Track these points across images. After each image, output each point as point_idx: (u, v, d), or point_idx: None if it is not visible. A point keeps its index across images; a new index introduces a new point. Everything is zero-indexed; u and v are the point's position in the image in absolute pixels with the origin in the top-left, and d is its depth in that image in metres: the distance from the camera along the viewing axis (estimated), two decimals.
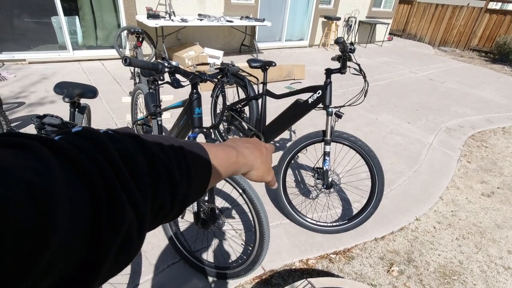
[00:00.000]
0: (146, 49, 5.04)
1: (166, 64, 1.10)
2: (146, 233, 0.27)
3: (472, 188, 2.66)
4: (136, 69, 3.49)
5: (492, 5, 9.56)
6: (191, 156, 0.33)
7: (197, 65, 4.16)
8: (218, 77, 1.44)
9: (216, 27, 5.76)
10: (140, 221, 0.24)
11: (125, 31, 4.86)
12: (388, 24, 9.13)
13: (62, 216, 0.18)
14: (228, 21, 5.20)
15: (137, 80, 3.51)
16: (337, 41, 1.55)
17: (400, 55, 8.07)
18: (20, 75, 3.90)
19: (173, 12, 4.97)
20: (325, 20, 7.56)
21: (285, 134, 3.13)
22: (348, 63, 1.75)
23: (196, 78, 1.24)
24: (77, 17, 4.64)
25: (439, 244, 1.99)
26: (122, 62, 0.99)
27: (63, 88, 1.53)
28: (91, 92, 1.60)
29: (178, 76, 1.25)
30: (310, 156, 2.72)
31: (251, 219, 1.38)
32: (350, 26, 8.19)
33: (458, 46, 9.97)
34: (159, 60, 1.11)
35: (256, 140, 0.50)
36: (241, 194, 1.36)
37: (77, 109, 1.63)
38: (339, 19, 7.45)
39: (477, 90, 5.57)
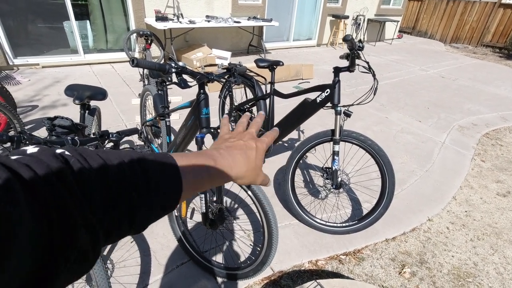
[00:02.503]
0: (155, 51, 5.09)
1: (173, 65, 1.11)
2: (116, 241, 0.30)
3: (487, 188, 2.58)
4: (145, 71, 3.54)
5: (506, 0, 9.30)
6: (156, 175, 0.32)
7: (205, 66, 4.17)
8: (225, 77, 1.44)
9: (223, 28, 5.78)
10: (94, 241, 0.26)
11: (134, 34, 4.93)
12: (398, 21, 8.99)
13: (20, 234, 0.20)
14: (235, 22, 5.22)
15: (146, 82, 3.56)
16: (345, 39, 1.53)
17: (410, 52, 7.92)
18: (34, 79, 4.00)
19: (181, 14, 5.02)
20: (333, 19, 7.50)
21: (294, 134, 3.11)
22: (357, 61, 1.73)
23: (203, 78, 1.24)
24: (88, 21, 4.74)
25: (452, 245, 1.94)
26: (130, 63, 1.00)
27: (73, 91, 1.55)
28: (101, 94, 1.62)
29: (185, 76, 1.26)
30: (319, 156, 2.70)
31: (259, 219, 1.37)
32: (359, 25, 8.09)
33: (471, 43, 9.73)
34: (166, 61, 1.12)
35: (242, 144, 0.45)
36: (249, 195, 1.35)
37: (87, 111, 1.65)
38: (347, 17, 7.38)
39: (491, 87, 5.42)
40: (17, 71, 4.19)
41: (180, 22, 4.71)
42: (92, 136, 1.11)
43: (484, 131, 3.65)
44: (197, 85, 1.35)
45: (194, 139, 1.37)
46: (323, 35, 7.59)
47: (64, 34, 4.68)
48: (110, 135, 1.15)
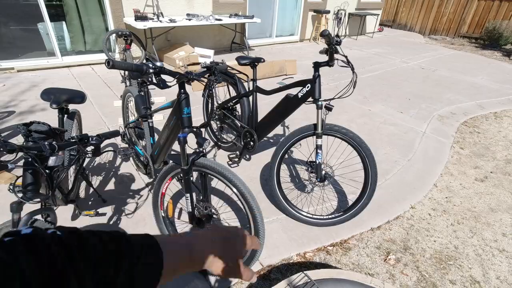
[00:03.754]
0: (136, 51, 5.00)
1: (150, 65, 1.10)
2: None
3: (466, 174, 2.68)
4: (126, 72, 3.47)
5: None
6: (139, 266, 0.35)
7: (188, 65, 4.12)
8: (206, 76, 1.44)
9: (205, 26, 5.73)
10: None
11: (114, 34, 4.82)
12: (378, 15, 9.13)
13: None
14: (217, 19, 5.18)
15: (128, 84, 3.49)
16: (322, 34, 1.55)
17: (391, 45, 8.08)
18: (9, 84, 3.86)
19: (161, 13, 4.94)
20: (315, 14, 7.55)
21: (279, 130, 3.14)
22: (336, 56, 1.75)
23: (182, 78, 1.24)
24: (64, 22, 4.59)
25: (434, 231, 2.02)
26: (106, 65, 0.99)
27: (50, 95, 1.51)
28: (79, 97, 1.59)
29: (165, 77, 1.25)
30: (304, 151, 2.73)
31: (246, 216, 1.38)
32: (340, 19, 8.18)
33: (449, 34, 10.00)
34: (143, 61, 1.11)
35: (232, 232, 0.46)
36: (234, 192, 1.36)
37: (66, 115, 1.62)
38: (328, 12, 7.44)
39: (469, 76, 5.61)
40: None
41: (160, 21, 4.63)
42: (71, 140, 1.09)
43: (463, 120, 3.78)
44: (177, 85, 1.34)
45: (176, 138, 1.36)
46: (305, 31, 7.64)
47: (39, 36, 4.52)
48: (90, 139, 1.14)
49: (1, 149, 0.89)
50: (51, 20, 4.34)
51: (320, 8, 7.50)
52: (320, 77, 1.79)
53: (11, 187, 1.31)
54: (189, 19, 5.01)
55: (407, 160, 2.79)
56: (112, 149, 2.64)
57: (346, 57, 1.69)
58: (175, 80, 1.25)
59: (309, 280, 1.30)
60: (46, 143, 1.02)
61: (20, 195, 1.09)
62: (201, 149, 1.38)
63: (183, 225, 1.90)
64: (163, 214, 1.67)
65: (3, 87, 3.75)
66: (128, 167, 2.44)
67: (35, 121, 1.15)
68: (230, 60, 4.88)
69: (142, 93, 1.88)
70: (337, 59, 1.77)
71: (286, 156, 2.71)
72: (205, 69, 1.47)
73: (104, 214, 1.97)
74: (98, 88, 3.94)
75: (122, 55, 4.75)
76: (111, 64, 0.98)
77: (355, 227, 1.99)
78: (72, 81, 4.14)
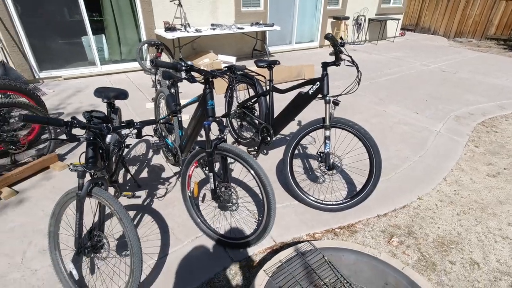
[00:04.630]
0: (165, 59, 5.45)
1: (183, 64, 1.38)
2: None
3: (478, 170, 2.75)
4: (157, 77, 3.87)
5: None
6: None
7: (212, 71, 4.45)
8: (227, 74, 1.71)
9: (228, 35, 6.11)
10: None
11: (146, 45, 5.31)
12: (399, 19, 9.13)
13: None
14: (239, 28, 5.53)
15: (158, 87, 3.89)
16: (326, 37, 1.78)
17: (412, 49, 8.05)
18: (58, 90, 4.40)
19: (188, 24, 5.37)
20: (334, 20, 7.73)
21: (293, 127, 3.35)
22: (343, 56, 1.97)
23: (208, 75, 1.51)
24: (103, 35, 5.14)
25: (439, 219, 2.13)
26: (150, 63, 1.28)
27: (101, 92, 1.86)
28: (123, 94, 1.92)
29: (193, 74, 1.53)
30: (314, 148, 2.93)
31: (260, 192, 1.62)
32: (360, 25, 8.29)
33: (475, 36, 9.75)
34: (177, 61, 1.40)
35: None
36: (251, 173, 1.60)
37: (112, 109, 1.95)
38: (347, 18, 7.60)
39: (491, 78, 5.52)
40: (43, 83, 4.61)
41: (188, 31, 5.05)
42: (121, 124, 1.39)
43: (480, 120, 3.79)
44: (202, 84, 1.62)
45: (202, 126, 1.64)
46: None
47: (82, 48, 5.10)
48: (135, 124, 1.44)
49: (77, 126, 1.20)
50: (93, 34, 4.88)
51: (339, 14, 7.68)
52: (328, 75, 2.01)
53: (71, 166, 1.66)
54: (213, 29, 5.40)
55: (418, 157, 2.90)
56: (147, 135, 2.98)
57: (350, 57, 1.90)
58: (202, 75, 1.53)
59: (313, 248, 1.51)
60: (104, 125, 1.33)
61: (78, 169, 1.41)
62: (222, 135, 1.64)
63: (205, 205, 2.17)
64: (189, 194, 1.94)
65: (53, 92, 4.28)
66: (158, 159, 2.77)
67: (94, 109, 1.48)
68: (251, 66, 5.19)
69: (173, 91, 2.19)
70: (343, 60, 1.98)
71: (299, 151, 2.93)
72: (226, 69, 1.75)
73: (139, 197, 2.29)
74: (132, 92, 4.37)
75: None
76: (154, 62, 1.27)
77: (362, 213, 2.15)
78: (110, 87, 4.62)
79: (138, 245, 1.34)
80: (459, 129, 3.50)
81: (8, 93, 2.75)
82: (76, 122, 1.20)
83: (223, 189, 1.77)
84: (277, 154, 2.87)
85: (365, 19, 8.34)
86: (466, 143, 3.20)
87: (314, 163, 2.75)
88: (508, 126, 3.66)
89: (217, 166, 2.61)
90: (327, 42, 7.99)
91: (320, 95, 2.06)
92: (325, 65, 2.00)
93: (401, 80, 5.27)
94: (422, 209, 2.24)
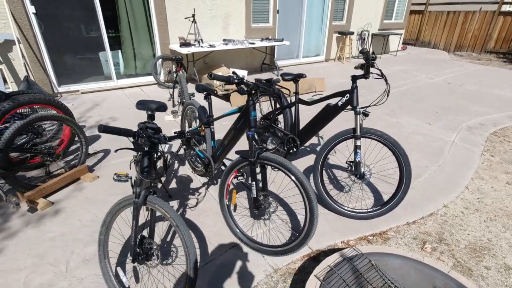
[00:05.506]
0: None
1: (235, 77, 1.47)
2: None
3: (497, 178, 2.82)
4: (175, 91, 3.98)
5: (506, 8, 9.67)
6: None
7: (225, 84, 4.58)
8: (267, 87, 1.80)
9: (239, 50, 6.29)
10: None
11: (160, 60, 5.46)
12: (401, 34, 9.41)
13: None
14: (250, 43, 5.70)
15: (174, 102, 4.05)
16: (362, 51, 1.89)
17: (415, 62, 8.27)
18: (76, 104, 4.49)
19: (201, 39, 5.54)
20: (339, 35, 7.97)
21: (314, 140, 3.44)
22: (371, 69, 2.07)
23: (254, 88, 1.60)
24: (119, 50, 5.30)
25: (468, 226, 2.19)
26: (208, 76, 1.36)
27: (144, 105, 1.94)
28: (163, 106, 1.99)
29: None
30: (341, 159, 2.99)
31: (302, 198, 1.67)
32: (364, 39, 8.54)
33: (474, 50, 10.03)
34: (230, 74, 1.49)
35: None
36: (292, 180, 1.66)
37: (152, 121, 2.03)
38: (352, 33, 7.84)
39: (496, 89, 5.67)
40: (61, 97, 4.71)
41: (202, 46, 5.21)
42: (174, 135, 1.47)
43: (492, 130, 3.89)
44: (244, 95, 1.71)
45: (246, 135, 1.71)
46: (330, 51, 8.05)
47: (98, 63, 5.24)
48: (186, 134, 1.51)
49: (144, 135, 1.27)
50: (110, 49, 5.03)
51: (344, 30, 7.92)
52: (357, 88, 2.11)
53: (115, 176, 1.72)
54: (226, 44, 5.57)
55: (437, 166, 2.97)
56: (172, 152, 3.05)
57: (380, 70, 2.00)
58: (248, 89, 1.62)
59: (359, 252, 1.56)
60: (161, 135, 1.41)
61: (125, 180, 1.47)
62: (264, 145, 1.72)
63: (239, 215, 2.21)
64: (227, 203, 1.99)
65: (72, 106, 4.38)
66: (184, 170, 2.83)
67: (147, 121, 1.55)
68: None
69: (207, 102, 2.27)
70: (372, 73, 2.08)
71: (329, 159, 3.00)
72: (265, 82, 1.84)
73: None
74: None
75: (167, 76, 5.36)
76: (212, 76, 1.36)
77: (392, 221, 2.20)
78: (126, 100, 4.72)
79: (194, 251, 1.39)
80: (472, 139, 3.59)
81: (35, 106, 2.83)
82: (142, 132, 1.27)
83: (261, 197, 1.83)
84: (300, 163, 2.93)
85: (368, 34, 8.60)
86: (482, 153, 3.28)
87: (338, 173, 2.81)
88: None
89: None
90: (332, 56, 8.21)
91: (349, 107, 2.15)
92: (354, 78, 2.10)
93: (409, 93, 5.41)
94: (449, 216, 2.29)
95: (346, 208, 2.22)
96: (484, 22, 9.60)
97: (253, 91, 1.67)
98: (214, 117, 2.25)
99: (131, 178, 1.92)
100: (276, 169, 1.69)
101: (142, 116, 4.09)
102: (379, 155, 3.03)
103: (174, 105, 4.37)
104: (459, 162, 3.06)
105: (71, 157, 2.99)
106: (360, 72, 8.05)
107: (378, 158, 2.96)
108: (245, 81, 1.54)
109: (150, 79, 5.48)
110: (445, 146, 3.38)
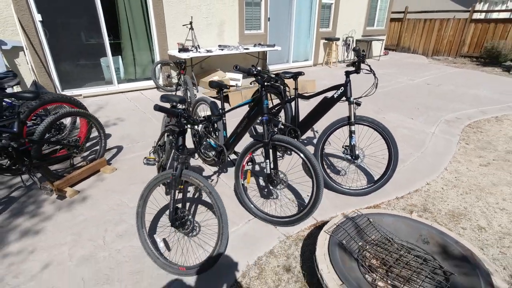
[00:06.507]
0: (176, 77, 5.85)
1: (253, 69, 1.78)
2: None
3: (471, 161, 3.22)
4: (177, 93, 4.24)
5: (476, 16, 10.48)
6: None
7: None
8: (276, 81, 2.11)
9: (233, 55, 6.62)
10: None
11: (159, 65, 5.72)
12: (383, 40, 10.03)
13: None
14: (245, 48, 6.05)
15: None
16: (354, 49, 2.24)
17: (397, 66, 8.84)
18: None
19: (198, 45, 5.85)
20: (326, 41, 8.46)
21: (309, 133, 3.77)
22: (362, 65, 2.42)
23: (268, 79, 1.91)
24: (120, 56, 5.52)
25: (447, 198, 2.55)
26: (234, 68, 1.66)
27: (168, 98, 2.21)
28: (184, 100, 2.28)
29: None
30: (337, 147, 3.33)
31: (310, 171, 1.97)
32: (348, 45, 9.07)
33: (450, 54, 10.77)
34: (250, 67, 1.80)
35: None
36: (301, 157, 1.97)
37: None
38: (338, 39, 8.34)
39: (471, 89, 6.22)
40: None
41: (199, 52, 5.51)
42: (204, 118, 1.76)
43: (467, 123, 4.35)
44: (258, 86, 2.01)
45: (260, 120, 2.01)
46: (318, 56, 8.52)
47: (99, 68, 5.44)
48: (212, 118, 1.80)
49: (186, 115, 1.55)
50: (112, 55, 5.25)
51: (330, 36, 8.42)
52: (350, 81, 2.45)
53: (145, 160, 1.99)
54: (222, 49, 5.89)
55: (420, 153, 3.35)
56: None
57: (369, 65, 2.36)
58: (261, 81, 1.92)
59: (360, 214, 1.87)
60: (197, 117, 1.69)
61: (155, 158, 1.74)
62: (276, 128, 2.02)
63: (252, 196, 2.49)
64: (242, 182, 2.27)
65: None
66: (194, 161, 3.09)
67: (181, 108, 1.84)
68: (253, 83, 5.61)
69: (219, 98, 2.56)
70: (362, 69, 2.44)
71: (326, 148, 3.33)
72: (274, 76, 2.15)
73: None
74: (151, 108, 4.70)
75: (166, 80, 5.61)
76: (238, 67, 1.66)
77: (383, 196, 2.54)
78: (128, 103, 4.94)
79: (225, 213, 1.67)
80: (450, 130, 4.02)
81: (53, 105, 3.04)
82: (184, 113, 1.55)
83: (273, 174, 2.12)
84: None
85: (353, 40, 9.14)
86: (458, 141, 3.70)
87: (334, 160, 3.14)
88: (490, 127, 4.22)
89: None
90: (320, 61, 8.68)
91: (344, 98, 2.49)
92: (348, 73, 2.45)
93: (393, 93, 5.87)
94: (431, 192, 2.65)
95: (344, 186, 2.54)
96: (458, 29, 10.36)
97: (265, 83, 1.99)
98: (226, 110, 2.54)
99: (158, 161, 2.19)
100: (289, 152, 1.99)
101: (147, 117, 4.32)
102: (369, 140, 3.39)
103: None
104: (439, 149, 3.46)
105: (87, 152, 3.20)
106: (352, 68, 8.55)
107: (369, 142, 3.32)
108: (260, 71, 1.85)
109: (150, 83, 5.72)
110: (426, 137, 3.78)
